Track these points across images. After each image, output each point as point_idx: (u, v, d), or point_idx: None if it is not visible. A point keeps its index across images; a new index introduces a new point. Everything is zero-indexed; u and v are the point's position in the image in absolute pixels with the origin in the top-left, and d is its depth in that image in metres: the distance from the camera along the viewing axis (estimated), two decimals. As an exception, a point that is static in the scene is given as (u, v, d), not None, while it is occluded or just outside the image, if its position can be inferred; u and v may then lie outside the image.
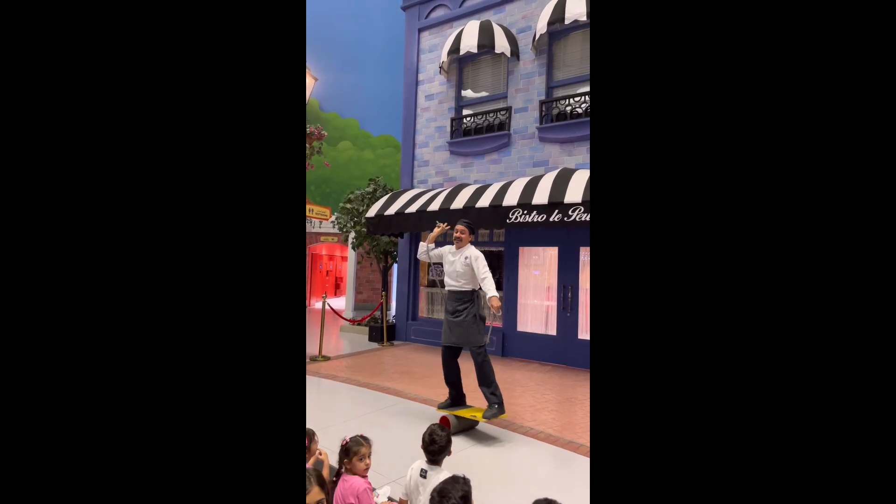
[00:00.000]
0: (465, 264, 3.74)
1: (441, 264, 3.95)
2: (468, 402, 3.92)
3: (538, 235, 6.51)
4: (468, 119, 7.41)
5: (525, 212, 5.55)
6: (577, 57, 6.52)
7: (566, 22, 5.94)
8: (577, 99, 6.31)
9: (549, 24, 6.11)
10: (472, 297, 3.79)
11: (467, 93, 7.63)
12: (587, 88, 6.27)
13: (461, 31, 6.89)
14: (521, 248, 6.79)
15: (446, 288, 3.90)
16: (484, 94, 7.44)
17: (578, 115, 6.27)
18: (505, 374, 5.67)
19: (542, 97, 6.65)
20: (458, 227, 3.87)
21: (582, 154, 6.24)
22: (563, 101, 6.44)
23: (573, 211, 5.21)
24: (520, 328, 6.74)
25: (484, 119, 7.22)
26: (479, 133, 7.25)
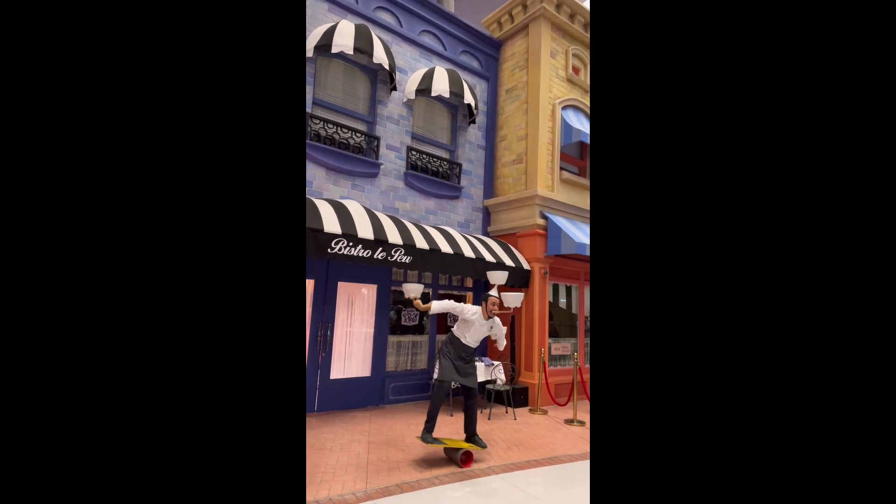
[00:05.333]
0: (489, 328, 4.22)
1: (451, 316, 4.16)
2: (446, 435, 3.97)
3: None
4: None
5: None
6: (338, 86, 6.41)
7: (332, 50, 5.81)
8: (344, 131, 6.21)
9: (316, 47, 5.80)
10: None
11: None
12: (349, 123, 6.33)
13: None
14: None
15: (468, 343, 4.16)
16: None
17: (344, 146, 6.19)
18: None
19: (308, 109, 5.94)
20: (494, 299, 4.23)
21: (347, 188, 6.17)
22: (329, 125, 6.09)
23: (336, 244, 5.05)
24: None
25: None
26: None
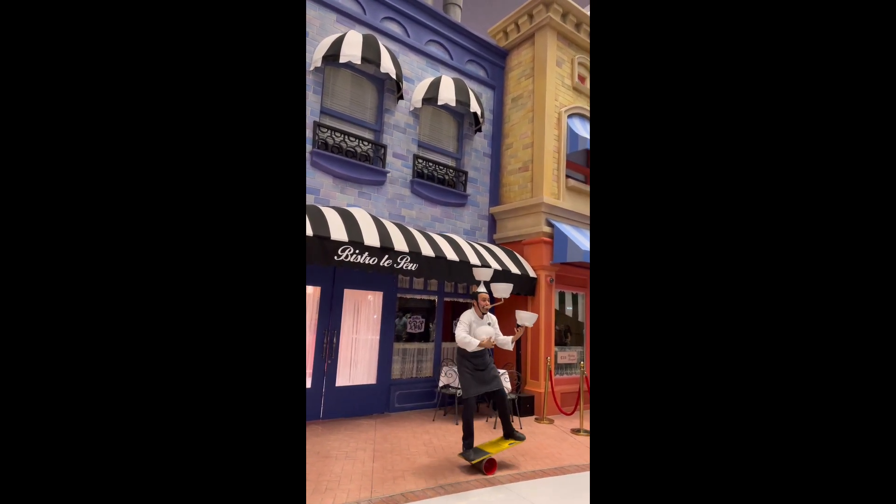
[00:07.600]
0: (487, 324, 4.17)
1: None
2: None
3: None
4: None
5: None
6: (346, 95, 6.48)
7: (340, 60, 5.89)
8: (352, 140, 6.27)
9: (325, 57, 5.86)
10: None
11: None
12: (357, 131, 6.38)
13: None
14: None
15: (474, 349, 4.04)
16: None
17: (351, 155, 6.24)
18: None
19: (316, 118, 6.01)
20: (484, 294, 4.19)
21: (354, 195, 6.21)
22: (337, 134, 6.15)
23: (343, 251, 5.14)
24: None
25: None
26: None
